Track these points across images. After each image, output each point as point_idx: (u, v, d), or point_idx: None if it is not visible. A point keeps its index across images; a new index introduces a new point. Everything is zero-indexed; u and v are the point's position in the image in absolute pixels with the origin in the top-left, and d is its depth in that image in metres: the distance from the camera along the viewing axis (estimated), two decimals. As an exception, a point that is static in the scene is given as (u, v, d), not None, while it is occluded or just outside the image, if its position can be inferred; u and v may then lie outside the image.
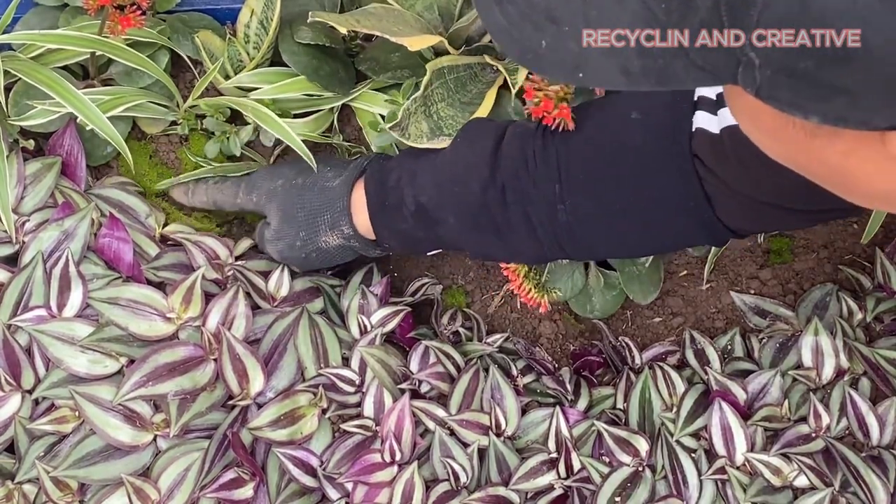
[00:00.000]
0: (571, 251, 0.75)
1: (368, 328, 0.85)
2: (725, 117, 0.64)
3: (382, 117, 0.88)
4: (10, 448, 0.80)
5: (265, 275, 0.87)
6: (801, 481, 0.81)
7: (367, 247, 0.82)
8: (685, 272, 0.96)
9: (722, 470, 0.81)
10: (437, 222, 0.77)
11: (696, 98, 0.67)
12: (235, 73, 0.87)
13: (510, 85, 0.79)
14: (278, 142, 0.89)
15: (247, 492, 0.78)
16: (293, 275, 0.88)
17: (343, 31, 0.79)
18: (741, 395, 0.84)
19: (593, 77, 0.40)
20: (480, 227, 0.75)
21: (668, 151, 0.68)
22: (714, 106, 0.66)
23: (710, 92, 0.66)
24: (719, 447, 0.82)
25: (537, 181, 0.72)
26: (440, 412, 0.82)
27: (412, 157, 0.80)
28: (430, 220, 0.77)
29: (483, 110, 0.80)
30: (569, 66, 0.40)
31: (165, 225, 0.90)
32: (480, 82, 0.85)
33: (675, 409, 0.84)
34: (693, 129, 0.67)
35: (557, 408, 0.84)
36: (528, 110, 0.74)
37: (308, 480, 0.79)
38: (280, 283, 0.87)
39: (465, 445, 0.82)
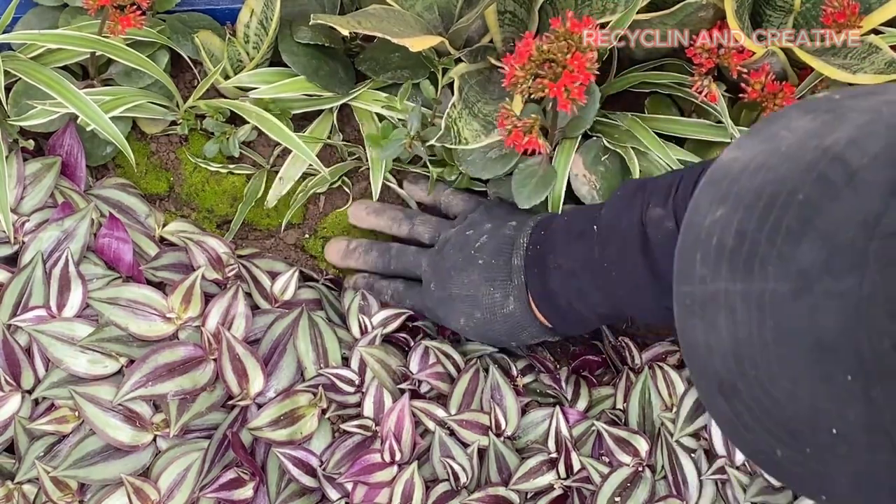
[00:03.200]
0: None
1: (369, 328, 0.85)
2: None
3: (381, 118, 0.88)
4: (10, 448, 0.80)
5: (273, 275, 0.87)
6: (801, 481, 0.81)
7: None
8: (684, 272, 0.96)
9: (722, 470, 0.81)
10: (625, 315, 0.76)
11: None
12: (235, 73, 0.87)
13: None
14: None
15: (247, 492, 0.78)
16: (301, 282, 0.88)
17: (344, 32, 0.79)
18: (741, 396, 0.84)
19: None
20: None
21: None
22: None
23: None
24: (719, 447, 0.82)
25: None
26: (440, 412, 0.82)
27: (566, 273, 0.76)
28: (620, 316, 0.77)
29: (518, 99, 0.80)
30: (811, 486, 0.38)
31: (165, 225, 0.90)
32: (496, 82, 0.85)
33: (674, 409, 0.84)
34: None
35: (557, 408, 0.84)
36: (502, 137, 0.76)
37: (308, 480, 0.79)
38: (287, 285, 0.87)
39: (465, 445, 0.82)
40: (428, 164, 0.86)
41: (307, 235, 0.95)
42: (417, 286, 0.87)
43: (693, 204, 0.45)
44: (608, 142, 0.83)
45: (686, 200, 0.63)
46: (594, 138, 0.85)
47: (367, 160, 0.93)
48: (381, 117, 0.89)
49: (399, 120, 0.86)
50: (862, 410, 0.36)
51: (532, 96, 0.73)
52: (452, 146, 0.81)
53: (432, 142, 0.81)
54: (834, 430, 0.37)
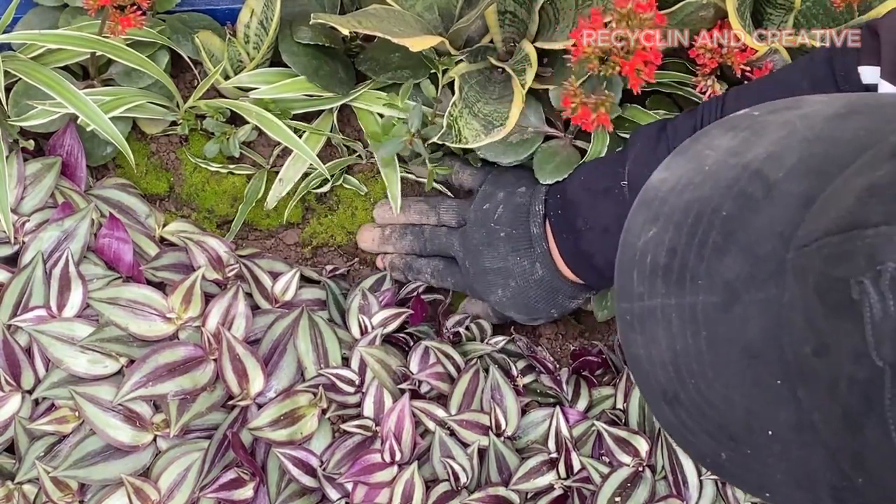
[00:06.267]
0: None
1: (369, 329, 0.85)
2: None
3: (381, 116, 0.88)
4: (10, 448, 0.80)
5: (274, 276, 0.87)
6: (802, 481, 0.81)
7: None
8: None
9: (722, 470, 0.81)
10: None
11: None
12: (235, 73, 0.87)
13: (520, 85, 0.79)
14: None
15: (247, 492, 0.78)
16: (302, 283, 0.88)
17: (344, 31, 0.79)
18: (741, 396, 0.84)
19: (782, 501, 0.40)
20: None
21: None
22: None
23: None
24: (719, 447, 0.82)
25: None
26: (440, 412, 0.82)
27: (589, 196, 0.79)
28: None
29: (517, 101, 0.80)
30: (753, 484, 0.41)
31: (165, 225, 0.90)
32: (496, 83, 0.85)
33: (675, 410, 0.84)
34: None
35: (557, 408, 0.84)
36: (567, 115, 0.76)
37: (308, 480, 0.79)
38: (288, 286, 0.87)
39: (465, 446, 0.82)
40: (427, 161, 0.86)
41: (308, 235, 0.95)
42: (455, 264, 0.89)
43: (627, 225, 0.48)
44: (619, 133, 0.84)
45: None
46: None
47: (365, 157, 0.93)
48: (382, 117, 0.89)
49: (399, 119, 0.86)
50: (791, 411, 0.38)
51: (601, 74, 0.73)
52: (453, 145, 0.81)
53: (434, 139, 0.82)
54: (769, 432, 0.39)
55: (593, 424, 0.83)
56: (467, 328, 0.90)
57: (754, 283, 0.39)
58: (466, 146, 0.81)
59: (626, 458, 0.81)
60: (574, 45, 0.73)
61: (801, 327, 0.37)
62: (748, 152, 0.43)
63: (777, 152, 0.42)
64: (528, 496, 0.82)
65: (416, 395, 0.84)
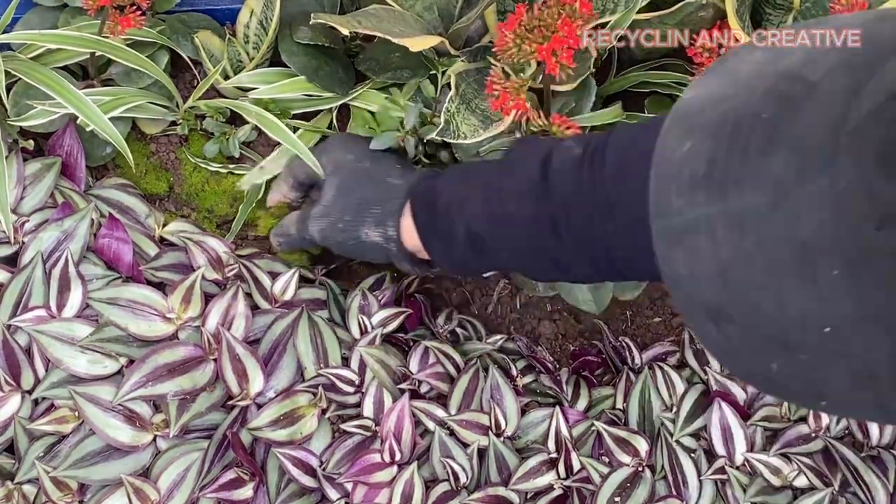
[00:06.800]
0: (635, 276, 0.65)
1: (369, 328, 0.85)
2: None
3: (373, 114, 0.88)
4: (10, 448, 0.80)
5: (273, 276, 0.87)
6: (801, 481, 0.81)
7: (403, 258, 0.76)
8: (685, 272, 0.96)
9: (721, 470, 0.81)
10: (490, 252, 0.68)
11: None
12: (235, 73, 0.87)
13: None
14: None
15: (246, 492, 0.78)
16: (301, 283, 0.88)
17: (344, 31, 0.79)
18: (741, 395, 0.84)
19: (841, 407, 0.39)
20: (536, 258, 0.65)
21: None
22: None
23: None
24: (719, 447, 0.82)
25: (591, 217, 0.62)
26: (440, 412, 0.82)
27: (460, 179, 0.73)
28: (484, 249, 0.68)
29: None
30: (810, 394, 0.39)
31: (165, 225, 0.90)
32: (494, 82, 0.85)
33: (674, 410, 0.84)
34: None
35: (557, 408, 0.84)
36: (490, 102, 0.76)
37: (308, 480, 0.79)
38: (287, 285, 0.87)
39: (465, 445, 0.82)
40: (422, 159, 0.87)
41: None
42: None
43: (660, 143, 0.46)
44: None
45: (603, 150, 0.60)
46: None
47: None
48: (373, 114, 0.89)
49: (398, 116, 0.86)
50: (851, 303, 0.37)
51: (520, 61, 0.72)
52: (452, 140, 0.81)
53: (433, 136, 0.82)
54: (826, 329, 0.37)
55: (593, 424, 0.83)
56: (462, 326, 0.91)
57: (805, 176, 0.37)
58: (464, 142, 0.81)
59: (625, 458, 0.82)
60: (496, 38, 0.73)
61: (860, 207, 0.36)
62: (782, 61, 0.42)
63: (814, 57, 0.41)
64: (528, 496, 0.82)
65: (415, 394, 0.84)
